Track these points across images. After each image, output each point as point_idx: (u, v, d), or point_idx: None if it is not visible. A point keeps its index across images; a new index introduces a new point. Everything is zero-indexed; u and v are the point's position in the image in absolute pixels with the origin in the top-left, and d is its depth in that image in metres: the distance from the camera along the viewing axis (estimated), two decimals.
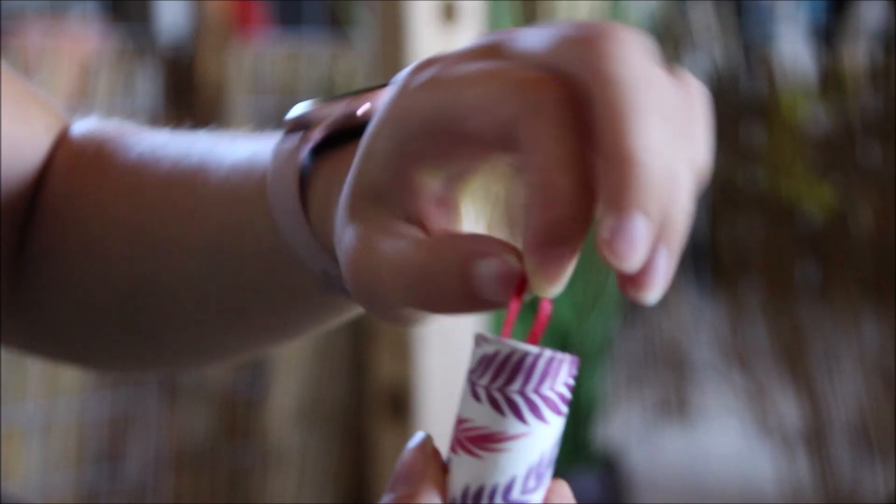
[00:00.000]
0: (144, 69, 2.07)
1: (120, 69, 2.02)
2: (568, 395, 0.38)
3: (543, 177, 0.36)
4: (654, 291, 0.36)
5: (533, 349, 0.37)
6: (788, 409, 2.20)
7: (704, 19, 2.32)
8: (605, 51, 0.36)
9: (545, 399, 0.38)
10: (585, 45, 0.36)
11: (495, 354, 0.38)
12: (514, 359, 0.37)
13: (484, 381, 0.38)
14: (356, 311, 0.54)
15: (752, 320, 2.24)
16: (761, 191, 2.19)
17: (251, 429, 2.11)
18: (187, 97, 2.10)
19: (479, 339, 0.38)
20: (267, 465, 2.10)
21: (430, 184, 0.41)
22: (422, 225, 0.41)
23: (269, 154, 0.50)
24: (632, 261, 0.35)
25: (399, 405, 1.68)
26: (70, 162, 0.59)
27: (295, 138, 0.49)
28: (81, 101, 1.96)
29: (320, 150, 0.48)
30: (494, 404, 0.38)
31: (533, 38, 0.38)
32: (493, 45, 0.39)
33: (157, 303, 0.56)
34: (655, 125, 0.35)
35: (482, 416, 0.38)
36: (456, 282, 0.38)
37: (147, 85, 2.08)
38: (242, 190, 0.51)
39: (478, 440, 0.38)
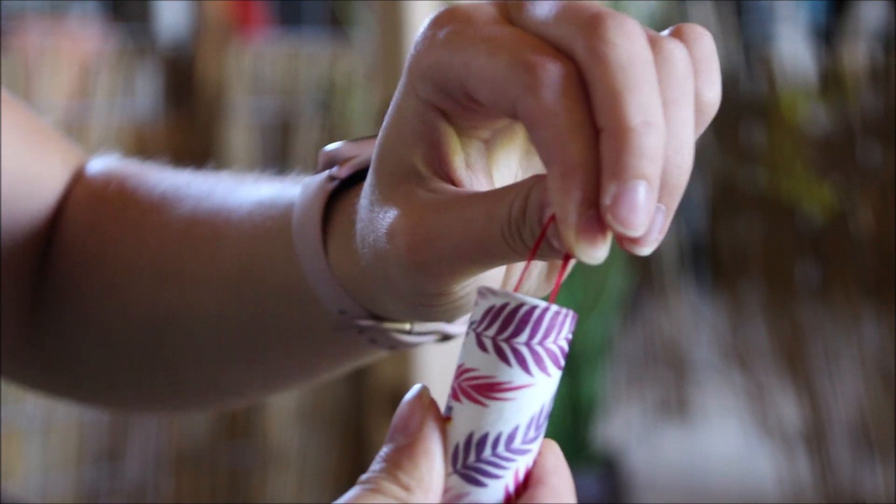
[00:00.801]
0: (144, 69, 2.07)
1: (120, 69, 2.02)
2: (567, 349, 0.39)
3: (552, 151, 0.38)
4: (649, 246, 0.39)
5: (541, 303, 0.38)
6: (788, 409, 2.20)
7: (704, 19, 2.32)
8: (601, 34, 0.38)
9: (549, 352, 0.39)
10: (585, 27, 0.38)
11: (503, 306, 0.38)
12: (523, 311, 0.38)
13: (491, 331, 0.39)
14: (367, 356, 0.55)
15: (752, 320, 2.24)
16: (761, 191, 2.19)
17: (251, 429, 2.11)
18: (187, 97, 2.10)
19: (486, 292, 0.39)
20: (267, 465, 2.10)
21: (460, 149, 0.42)
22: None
23: (293, 192, 0.51)
24: (635, 226, 0.37)
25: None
26: (90, 198, 0.59)
27: (325, 174, 0.49)
28: (81, 101, 1.96)
29: (347, 185, 0.49)
30: (501, 355, 0.38)
31: (542, 10, 0.40)
32: (506, 7, 0.41)
33: (178, 340, 0.57)
34: (648, 97, 0.38)
35: (488, 365, 0.39)
36: (529, 227, 0.40)
37: (147, 85, 2.08)
38: (265, 225, 0.52)
39: (483, 388, 0.39)
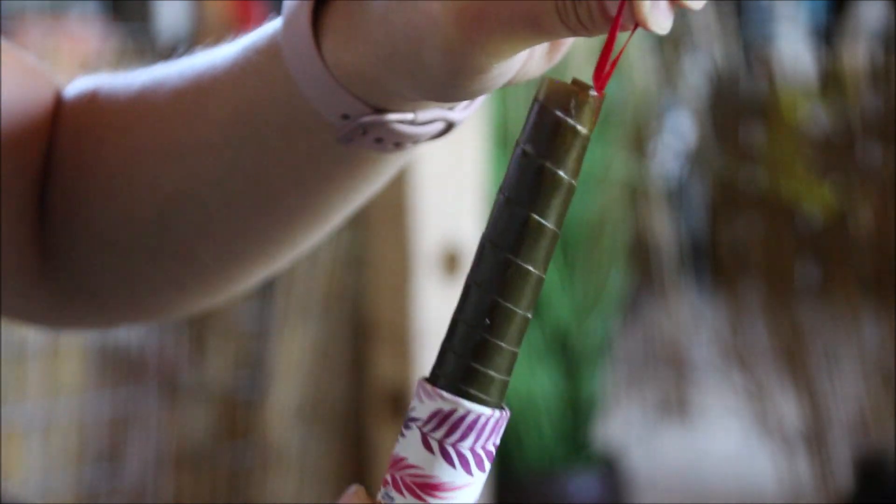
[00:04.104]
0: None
1: (120, 69, 2.01)
2: (498, 445, 0.42)
3: None
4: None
5: (485, 410, 0.41)
6: (788, 409, 2.20)
7: (704, 19, 2.32)
8: None
9: (487, 453, 0.41)
10: None
11: (452, 412, 0.40)
12: (470, 418, 0.40)
13: (438, 434, 0.41)
14: (376, 170, 0.55)
15: (752, 320, 2.24)
16: (761, 191, 2.19)
17: (251, 429, 2.11)
18: None
19: (431, 392, 0.41)
20: (267, 465, 2.10)
21: None
22: None
23: (273, 27, 0.51)
24: (667, 26, 0.40)
25: (399, 405, 1.68)
26: (74, 112, 0.60)
27: None
28: None
29: None
30: (447, 457, 0.41)
31: None
32: None
33: (188, 216, 0.57)
34: None
35: (433, 465, 0.41)
36: (585, 1, 0.41)
37: None
38: (253, 61, 0.52)
39: (427, 487, 0.41)
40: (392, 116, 0.50)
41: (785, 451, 2.19)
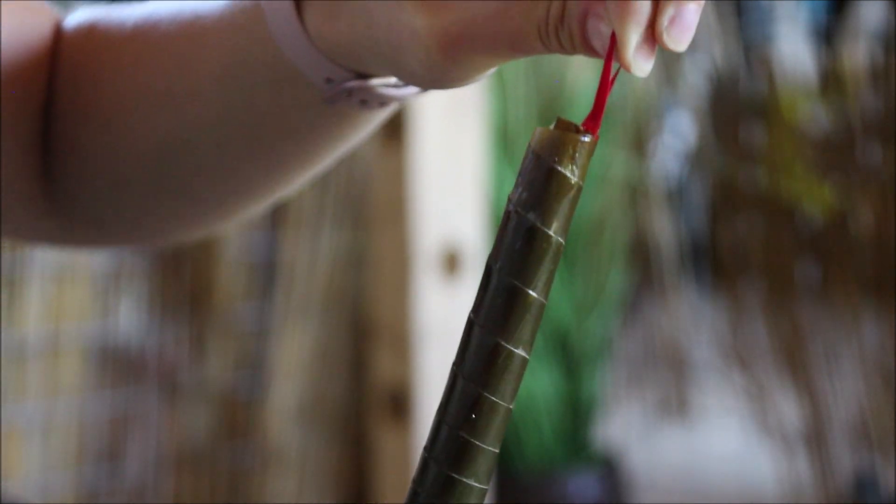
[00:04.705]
0: None
1: None
2: None
3: None
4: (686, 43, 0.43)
5: None
6: (788, 409, 2.20)
7: (704, 19, 2.32)
8: None
9: None
10: None
11: None
12: None
13: None
14: (364, 123, 0.56)
15: (752, 320, 2.24)
16: (761, 191, 2.19)
17: (251, 429, 2.11)
18: None
19: None
20: (267, 465, 2.10)
21: None
22: None
23: None
24: (685, 44, 0.42)
25: (399, 405, 1.68)
26: (72, 47, 0.61)
27: None
28: None
29: None
30: None
31: None
32: None
33: (182, 158, 0.58)
34: None
35: None
36: (567, 29, 0.42)
37: None
38: (239, 21, 0.53)
39: None
40: (376, 81, 0.52)
41: (785, 451, 2.19)
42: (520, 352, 0.42)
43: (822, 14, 3.61)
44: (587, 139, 0.42)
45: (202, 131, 0.57)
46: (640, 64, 0.41)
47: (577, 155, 0.42)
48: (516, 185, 0.42)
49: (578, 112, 2.22)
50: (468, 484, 0.42)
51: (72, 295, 1.93)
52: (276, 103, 0.54)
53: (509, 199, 0.42)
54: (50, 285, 1.91)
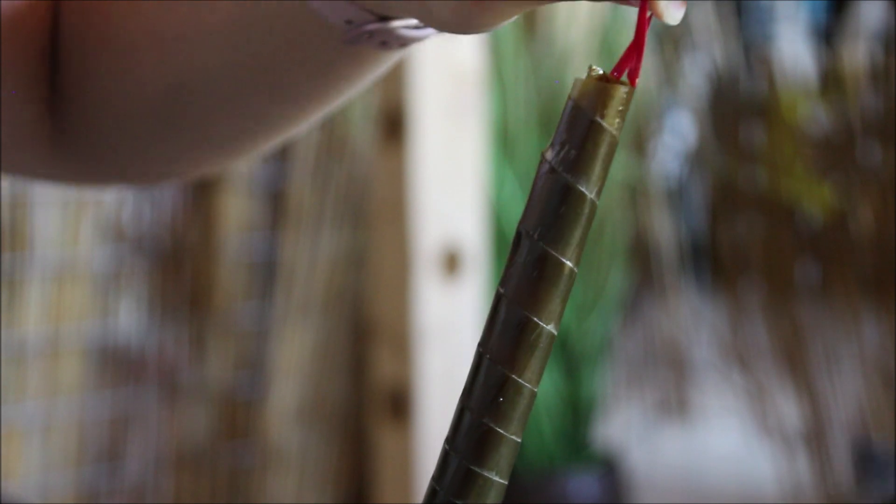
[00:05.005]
0: None
1: None
2: None
3: None
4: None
5: None
6: (788, 409, 2.20)
7: (704, 19, 2.32)
8: None
9: None
10: None
11: None
12: None
13: None
14: (383, 63, 0.55)
15: (752, 320, 2.24)
16: (761, 191, 2.19)
17: (251, 429, 2.11)
18: None
19: None
20: (267, 465, 2.10)
21: None
22: None
23: None
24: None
25: (399, 405, 1.68)
26: None
27: None
28: None
29: None
30: None
31: None
32: None
33: (195, 97, 0.57)
34: None
35: None
36: None
37: None
38: None
39: None
40: (397, 23, 0.51)
41: (785, 451, 2.19)
42: (550, 328, 0.40)
43: (822, 14, 3.61)
44: (628, 89, 0.40)
45: (217, 73, 0.56)
46: (672, 12, 0.41)
47: (620, 107, 0.40)
48: (553, 142, 0.40)
49: None
50: (488, 478, 0.40)
51: (72, 295, 1.93)
52: (293, 46, 0.53)
53: (543, 157, 0.40)
54: (50, 285, 1.91)
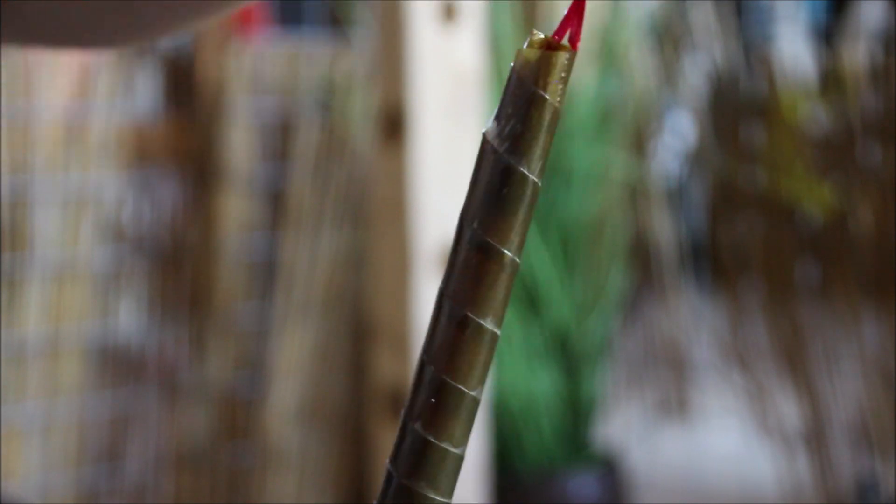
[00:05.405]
0: (144, 69, 2.07)
1: (120, 69, 2.02)
2: None
3: None
4: None
5: None
6: (788, 409, 2.20)
7: (704, 19, 2.32)
8: None
9: None
10: None
11: None
12: None
13: None
14: None
15: (752, 320, 2.24)
16: (761, 191, 2.19)
17: (251, 429, 2.11)
18: (187, 97, 2.10)
19: None
20: (267, 465, 2.10)
21: None
22: None
23: None
24: None
25: (399, 405, 1.68)
26: None
27: None
28: (81, 101, 1.96)
29: None
30: None
31: None
32: None
33: None
34: None
35: None
36: None
37: (147, 85, 2.08)
38: None
39: None
40: None
41: (785, 451, 2.19)
42: (488, 324, 0.36)
43: (822, 14, 3.61)
44: (569, 55, 0.37)
45: None
46: None
47: (563, 74, 0.37)
48: (496, 116, 0.36)
49: (579, 112, 2.22)
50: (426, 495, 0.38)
51: (72, 295, 1.93)
52: None
53: (484, 136, 0.37)
54: (50, 285, 1.91)
